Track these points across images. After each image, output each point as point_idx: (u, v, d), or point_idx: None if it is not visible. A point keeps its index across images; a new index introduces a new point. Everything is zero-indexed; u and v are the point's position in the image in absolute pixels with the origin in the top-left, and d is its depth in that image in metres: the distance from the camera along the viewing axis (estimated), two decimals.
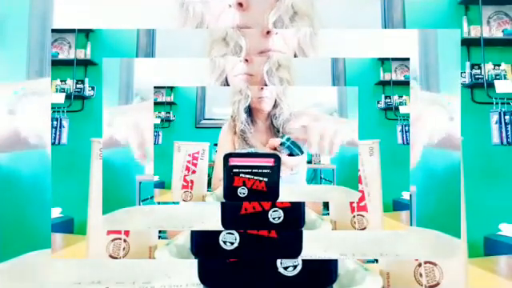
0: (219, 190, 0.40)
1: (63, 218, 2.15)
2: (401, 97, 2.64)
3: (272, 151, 0.57)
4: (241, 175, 0.38)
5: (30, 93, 0.48)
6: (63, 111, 2.43)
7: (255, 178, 0.38)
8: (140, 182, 0.54)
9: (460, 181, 0.43)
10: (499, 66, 2.41)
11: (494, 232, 2.04)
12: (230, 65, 0.83)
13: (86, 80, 2.63)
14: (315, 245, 0.38)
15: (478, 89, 2.40)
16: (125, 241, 0.50)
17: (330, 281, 0.38)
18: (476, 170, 2.33)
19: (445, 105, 0.46)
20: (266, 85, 0.79)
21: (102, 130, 0.45)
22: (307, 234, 0.38)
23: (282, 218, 0.38)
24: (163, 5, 0.81)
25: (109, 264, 0.45)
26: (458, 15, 2.51)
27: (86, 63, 2.65)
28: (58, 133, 2.35)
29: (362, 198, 0.54)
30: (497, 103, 2.22)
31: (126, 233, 0.50)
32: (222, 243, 0.37)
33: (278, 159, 0.39)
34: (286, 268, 0.37)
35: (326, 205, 0.66)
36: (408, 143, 0.47)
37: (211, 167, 0.83)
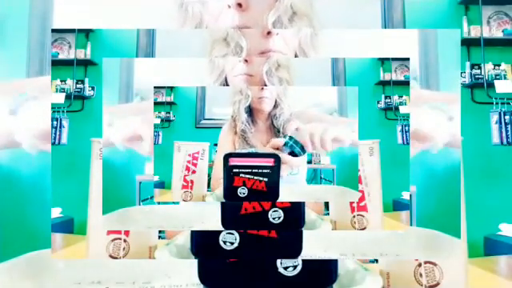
0: (219, 190, 0.40)
1: (63, 218, 2.15)
2: (401, 97, 2.64)
3: (274, 151, 0.57)
4: (241, 175, 0.39)
5: (31, 97, 0.49)
6: (63, 111, 2.43)
7: (255, 178, 0.39)
8: (140, 182, 0.54)
9: (460, 181, 0.43)
10: (499, 66, 2.41)
11: (494, 232, 2.04)
12: (230, 65, 0.83)
13: (86, 80, 2.63)
14: (315, 245, 0.38)
15: (477, 89, 2.40)
16: (125, 241, 0.50)
17: (330, 281, 0.38)
18: (476, 170, 2.33)
19: (442, 107, 0.46)
20: (266, 85, 0.79)
21: (102, 130, 0.46)
22: (307, 234, 0.38)
23: (281, 218, 0.38)
24: (162, 5, 0.81)
25: (109, 264, 0.45)
26: (458, 15, 2.51)
27: (85, 63, 2.64)
28: (58, 133, 2.35)
29: (362, 198, 0.54)
30: (497, 103, 2.22)
31: (126, 233, 0.50)
32: (222, 243, 0.37)
33: (278, 159, 0.39)
34: (285, 268, 0.37)
35: (326, 205, 0.66)
36: (408, 143, 0.47)
37: (211, 167, 0.83)
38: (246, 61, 0.79)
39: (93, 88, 2.63)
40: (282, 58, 0.77)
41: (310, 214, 0.51)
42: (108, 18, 2.40)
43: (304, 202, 0.39)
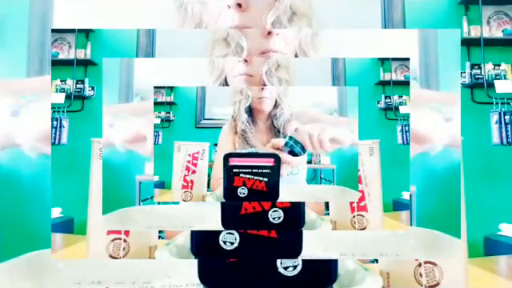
0: (219, 190, 0.40)
1: (63, 218, 2.15)
2: (401, 97, 2.65)
3: (274, 151, 0.57)
4: (241, 175, 0.39)
5: (33, 99, 0.49)
6: (63, 111, 2.43)
7: (255, 178, 0.39)
8: (140, 182, 0.54)
9: (460, 181, 0.43)
10: (499, 66, 2.41)
11: (494, 232, 2.04)
12: (230, 65, 0.83)
13: (86, 80, 2.63)
14: (315, 245, 0.38)
15: (478, 89, 2.40)
16: (125, 241, 0.50)
17: (330, 281, 0.38)
18: (476, 170, 2.33)
19: (441, 109, 0.46)
20: (266, 85, 0.79)
21: (102, 130, 0.46)
22: (307, 234, 0.38)
23: (281, 218, 0.38)
24: (162, 5, 0.81)
25: (109, 264, 0.45)
26: (458, 15, 2.51)
27: (86, 63, 2.65)
28: (58, 133, 2.35)
29: (362, 198, 0.54)
30: (497, 103, 2.22)
31: (126, 233, 0.50)
32: (222, 243, 0.37)
33: (278, 159, 0.39)
34: (286, 268, 0.37)
35: (326, 205, 0.66)
36: (408, 143, 0.47)
37: (211, 167, 0.83)
38: (246, 61, 0.79)
39: (93, 88, 2.63)
40: (281, 58, 0.77)
41: (310, 214, 0.51)
42: (108, 18, 2.40)
43: (304, 202, 0.39)
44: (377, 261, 0.47)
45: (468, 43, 2.46)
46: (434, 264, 0.43)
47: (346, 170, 0.55)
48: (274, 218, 0.38)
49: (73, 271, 0.40)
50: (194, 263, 0.38)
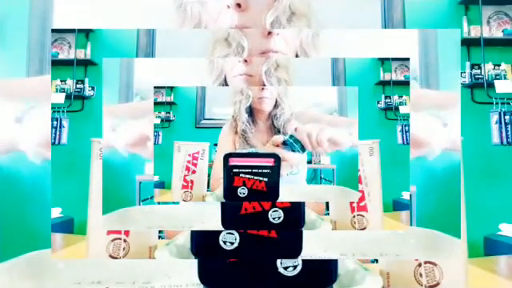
0: (219, 190, 0.40)
1: (63, 218, 2.15)
2: (401, 97, 2.64)
3: (274, 148, 0.58)
4: (241, 175, 0.39)
5: (36, 105, 0.49)
6: (63, 111, 2.43)
7: (255, 178, 0.39)
8: (140, 182, 0.54)
9: (460, 181, 0.43)
10: (499, 66, 2.41)
11: (494, 232, 2.04)
12: (229, 65, 0.83)
13: (86, 80, 2.63)
14: (315, 245, 0.38)
15: (478, 89, 2.40)
16: (125, 241, 0.50)
17: (330, 281, 0.38)
18: (476, 170, 2.33)
19: (439, 114, 0.46)
20: (266, 85, 0.79)
21: (102, 130, 0.46)
22: (307, 234, 0.38)
23: (281, 218, 0.38)
24: (162, 5, 0.81)
25: (109, 264, 0.45)
26: (458, 15, 2.51)
27: (86, 63, 2.65)
28: (58, 133, 2.35)
29: (362, 198, 0.54)
30: (497, 103, 2.22)
31: (126, 233, 0.50)
32: (222, 243, 0.37)
33: (278, 159, 0.39)
34: (286, 268, 0.37)
35: (326, 205, 0.66)
36: (408, 143, 0.47)
37: (211, 167, 0.83)
38: (246, 61, 0.79)
39: (93, 88, 2.63)
40: (281, 58, 0.77)
41: (310, 214, 0.51)
42: (108, 18, 2.40)
43: (304, 202, 0.39)
44: (377, 261, 0.47)
45: (468, 43, 2.46)
46: (434, 264, 0.43)
47: (346, 170, 0.55)
48: (274, 218, 0.38)
49: (73, 271, 0.40)
50: (194, 263, 0.38)
